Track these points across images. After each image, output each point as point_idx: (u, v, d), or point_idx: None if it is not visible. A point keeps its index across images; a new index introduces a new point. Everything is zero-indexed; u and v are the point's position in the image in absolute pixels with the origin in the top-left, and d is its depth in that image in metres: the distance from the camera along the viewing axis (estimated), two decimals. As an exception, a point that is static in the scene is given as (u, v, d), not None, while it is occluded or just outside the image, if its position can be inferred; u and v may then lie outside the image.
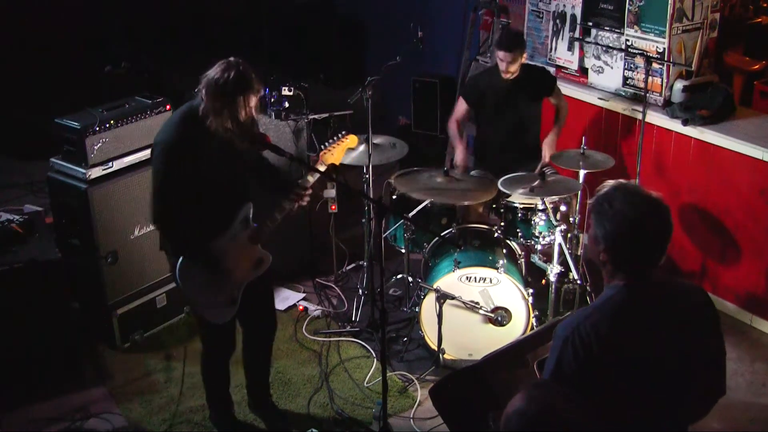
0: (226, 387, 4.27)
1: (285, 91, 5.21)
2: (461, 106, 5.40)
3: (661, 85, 5.44)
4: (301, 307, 5.33)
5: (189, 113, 3.65)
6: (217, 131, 3.58)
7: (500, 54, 5.04)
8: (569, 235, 4.87)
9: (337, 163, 4.04)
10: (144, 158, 4.85)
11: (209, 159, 3.66)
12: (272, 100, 5.19)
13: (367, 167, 4.95)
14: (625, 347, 2.45)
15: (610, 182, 2.53)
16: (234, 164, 3.79)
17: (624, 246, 2.45)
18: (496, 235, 4.89)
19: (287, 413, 4.44)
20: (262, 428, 4.35)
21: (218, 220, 3.81)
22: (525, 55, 5.11)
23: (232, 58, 3.62)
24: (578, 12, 5.85)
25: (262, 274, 3.95)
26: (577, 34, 5.89)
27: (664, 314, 2.50)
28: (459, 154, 5.28)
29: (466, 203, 4.93)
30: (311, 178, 3.95)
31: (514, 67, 5.06)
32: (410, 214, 4.79)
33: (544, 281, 4.90)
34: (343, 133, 4.05)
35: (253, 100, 3.62)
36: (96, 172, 4.66)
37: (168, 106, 4.98)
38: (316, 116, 5.45)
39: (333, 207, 5.39)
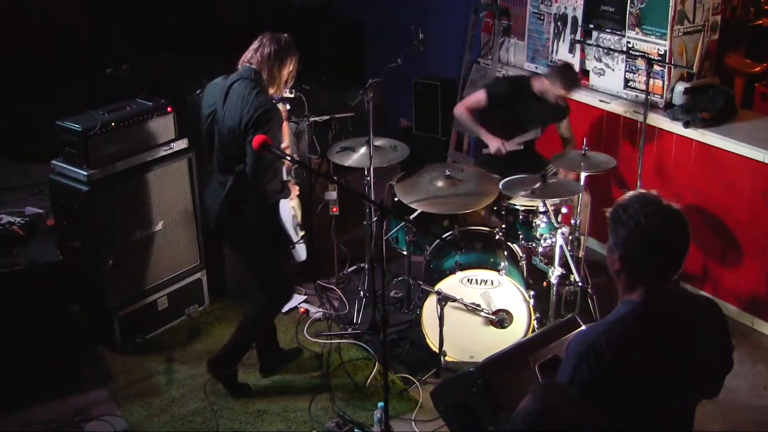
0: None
1: (286, 93, 5.19)
2: (479, 98, 5.37)
3: (663, 87, 5.44)
4: (302, 310, 5.33)
5: (259, 88, 4.11)
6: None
7: (560, 91, 5.08)
8: (570, 237, 4.87)
9: None
10: (145, 160, 4.86)
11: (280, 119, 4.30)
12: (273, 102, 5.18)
13: (369, 169, 4.95)
14: (638, 365, 2.42)
15: (632, 192, 2.50)
16: None
17: (636, 254, 2.40)
18: (497, 237, 4.89)
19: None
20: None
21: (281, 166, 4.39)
22: None
23: (263, 36, 4.22)
24: (579, 14, 5.85)
25: None
26: (578, 37, 5.89)
27: (679, 333, 2.46)
28: (494, 142, 5.24)
29: (468, 211, 4.92)
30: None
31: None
32: (411, 216, 4.78)
33: (545, 283, 4.89)
34: None
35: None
36: (97, 175, 4.65)
37: (169, 108, 4.97)
38: (317, 118, 5.45)
39: (334, 209, 5.39)
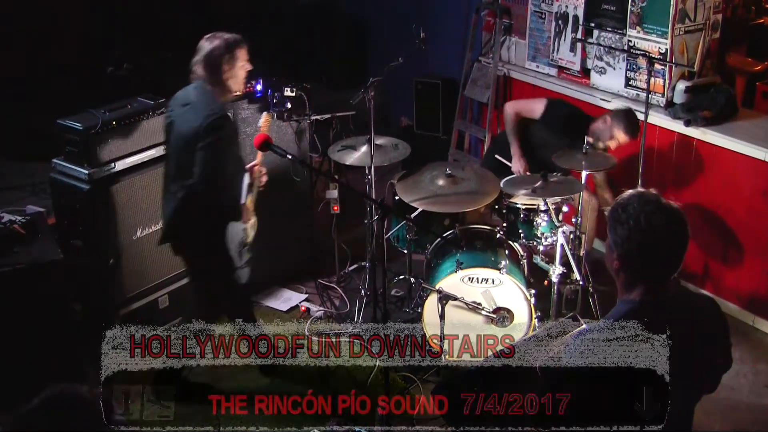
0: None
1: (287, 92, 5.20)
2: (534, 107, 5.24)
3: (664, 86, 5.44)
4: (303, 308, 5.33)
5: (208, 94, 4.06)
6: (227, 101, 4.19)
7: (624, 138, 4.99)
8: (571, 235, 4.87)
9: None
10: (146, 159, 4.86)
11: (231, 131, 4.25)
12: (274, 101, 5.19)
13: (370, 168, 4.95)
14: None
15: (631, 191, 2.51)
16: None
17: (635, 253, 2.40)
18: (498, 236, 4.89)
19: None
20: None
21: (240, 184, 4.29)
22: None
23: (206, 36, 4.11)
24: (580, 13, 5.85)
25: None
26: (579, 35, 5.89)
27: (678, 332, 2.46)
28: (519, 163, 5.16)
29: (468, 209, 4.92)
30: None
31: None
32: (412, 215, 4.78)
33: (546, 282, 4.89)
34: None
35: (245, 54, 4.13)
36: (98, 173, 4.66)
37: (170, 107, 4.97)
38: (318, 117, 5.44)
39: (335, 208, 5.39)
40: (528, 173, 5.14)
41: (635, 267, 2.44)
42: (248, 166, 4.38)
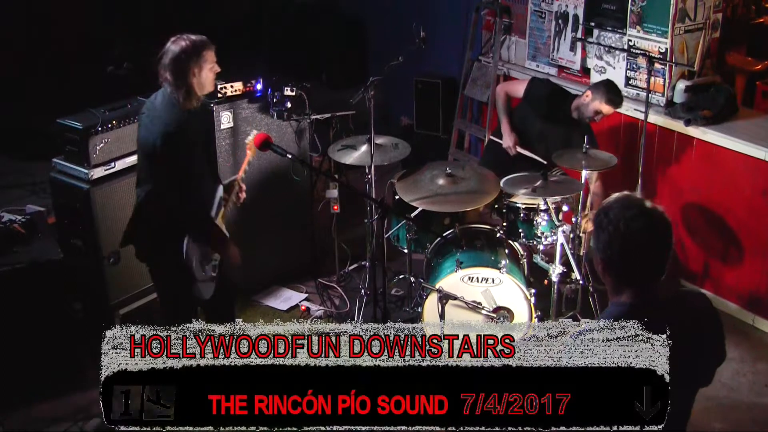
0: None
1: (287, 92, 5.20)
2: (518, 88, 5.32)
3: (664, 85, 5.44)
4: (303, 308, 5.33)
5: (170, 101, 3.84)
6: (191, 109, 3.87)
7: (607, 109, 4.98)
8: (572, 235, 4.87)
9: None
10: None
11: (194, 140, 3.97)
12: (275, 100, 5.19)
13: (370, 168, 4.95)
14: None
15: (617, 194, 2.51)
16: (208, 145, 4.15)
17: (616, 258, 2.41)
18: (498, 235, 4.89)
19: None
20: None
21: (206, 198, 4.07)
22: None
23: (173, 38, 3.88)
24: (580, 12, 5.85)
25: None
26: (579, 35, 5.89)
27: (670, 332, 2.46)
28: (508, 139, 5.22)
29: (468, 209, 4.92)
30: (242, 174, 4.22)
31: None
32: (412, 215, 4.78)
33: (546, 281, 4.89)
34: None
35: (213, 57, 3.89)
36: (98, 173, 4.66)
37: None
38: (318, 116, 5.44)
39: (335, 207, 5.39)
40: (518, 148, 5.18)
41: (618, 272, 2.45)
42: (226, 181, 4.23)
